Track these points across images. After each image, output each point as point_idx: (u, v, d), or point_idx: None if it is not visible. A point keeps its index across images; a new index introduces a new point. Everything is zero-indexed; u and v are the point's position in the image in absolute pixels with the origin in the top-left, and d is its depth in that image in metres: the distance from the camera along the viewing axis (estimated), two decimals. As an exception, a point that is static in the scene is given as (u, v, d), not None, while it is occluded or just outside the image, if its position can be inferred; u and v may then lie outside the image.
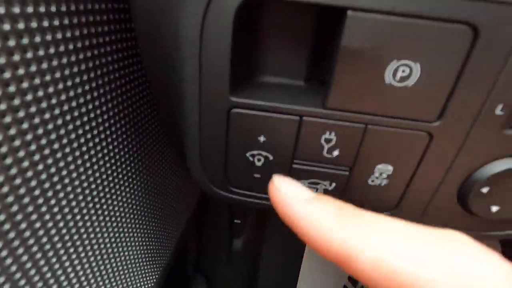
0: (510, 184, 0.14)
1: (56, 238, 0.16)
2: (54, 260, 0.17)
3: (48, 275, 0.17)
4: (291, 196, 0.11)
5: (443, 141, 0.14)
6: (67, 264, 0.18)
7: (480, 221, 0.16)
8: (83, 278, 0.19)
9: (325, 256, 0.10)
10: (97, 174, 0.19)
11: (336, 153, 0.15)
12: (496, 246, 0.73)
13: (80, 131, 0.16)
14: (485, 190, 0.15)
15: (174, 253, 0.36)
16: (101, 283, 0.22)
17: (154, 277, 0.31)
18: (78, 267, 0.19)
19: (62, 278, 0.18)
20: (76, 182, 0.17)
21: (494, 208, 0.15)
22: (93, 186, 0.18)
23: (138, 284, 0.28)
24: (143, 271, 0.28)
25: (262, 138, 0.15)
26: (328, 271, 0.72)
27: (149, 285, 0.30)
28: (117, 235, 0.23)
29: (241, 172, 0.16)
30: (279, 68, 0.15)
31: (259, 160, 0.16)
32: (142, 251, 0.28)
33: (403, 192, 0.16)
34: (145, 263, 0.29)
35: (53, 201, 0.15)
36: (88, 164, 0.17)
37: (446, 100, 0.13)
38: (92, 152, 0.18)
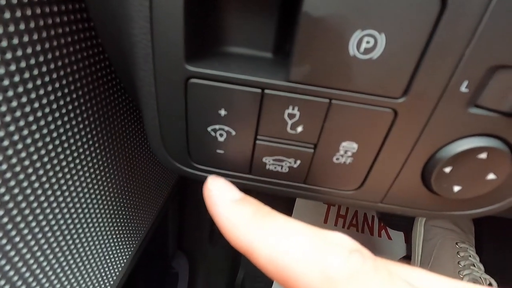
0: (472, 164, 0.14)
1: (27, 211, 0.16)
2: (25, 231, 0.16)
3: (21, 245, 0.16)
4: (218, 196, 0.13)
5: (408, 119, 0.13)
6: (39, 236, 0.17)
7: (443, 201, 0.16)
8: (48, 251, 0.19)
9: (237, 250, 0.12)
10: (69, 151, 0.18)
11: (300, 129, 0.14)
12: (468, 224, 0.76)
13: (47, 116, 0.15)
14: (447, 169, 0.14)
15: (150, 230, 0.36)
16: (69, 257, 0.22)
17: (127, 253, 0.30)
18: (50, 240, 0.18)
19: (35, 248, 0.17)
20: (45, 159, 0.16)
21: (456, 188, 0.15)
22: (62, 162, 0.17)
23: (112, 258, 0.28)
24: (116, 247, 0.28)
25: (223, 112, 0.14)
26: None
27: (123, 260, 0.30)
28: (87, 210, 0.22)
29: (204, 148, 0.16)
30: (244, 38, 0.14)
31: (221, 135, 0.15)
32: (116, 227, 0.27)
33: (368, 171, 0.16)
34: (119, 239, 0.28)
35: (22, 176, 0.15)
36: (58, 145, 0.16)
37: (411, 75, 0.12)
38: (62, 134, 0.17)
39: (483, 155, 0.14)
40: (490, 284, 0.62)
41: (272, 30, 0.14)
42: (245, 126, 0.15)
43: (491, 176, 0.14)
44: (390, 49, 0.12)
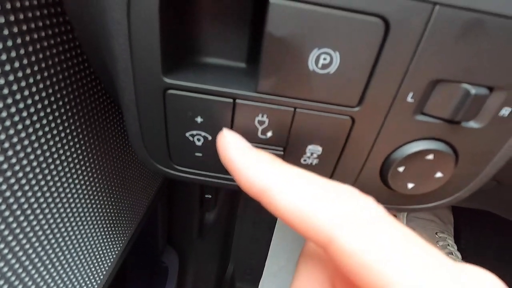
0: (421, 164, 0.16)
1: (15, 206, 0.17)
2: (14, 225, 0.17)
3: (10, 238, 0.17)
4: (234, 143, 0.13)
5: (364, 125, 0.15)
6: (27, 229, 0.19)
7: (400, 197, 0.18)
8: (38, 246, 0.20)
9: (249, 192, 0.12)
10: (58, 150, 0.19)
11: (269, 134, 0.16)
12: (448, 215, 0.80)
13: (31, 116, 0.16)
14: (401, 169, 0.16)
15: (140, 225, 0.37)
16: (60, 253, 0.23)
17: (117, 248, 0.32)
18: (40, 236, 0.19)
19: (24, 241, 0.18)
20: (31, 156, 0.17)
21: (410, 185, 0.17)
22: (51, 162, 0.19)
23: (101, 252, 0.29)
24: (106, 242, 0.29)
25: (199, 119, 0.15)
26: (298, 243, 0.77)
27: (112, 255, 0.31)
28: (73, 206, 0.23)
29: (183, 151, 0.17)
30: (219, 50, 0.16)
31: (198, 140, 0.16)
32: (105, 222, 0.28)
33: (333, 171, 0.17)
34: (108, 234, 0.29)
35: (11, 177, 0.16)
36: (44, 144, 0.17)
37: (364, 87, 0.14)
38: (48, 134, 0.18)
39: (430, 156, 0.16)
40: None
41: (245, 42, 0.16)
42: (220, 132, 0.16)
43: (438, 174, 0.16)
44: (344, 65, 0.13)
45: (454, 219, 0.76)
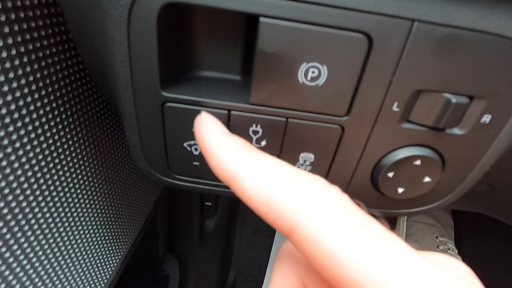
0: (410, 169, 0.17)
1: (20, 216, 0.18)
2: (19, 235, 0.18)
3: (15, 247, 0.18)
4: (209, 126, 0.13)
5: (353, 133, 0.16)
6: (32, 238, 0.19)
7: (391, 201, 0.19)
8: (41, 254, 0.21)
9: (219, 178, 0.12)
10: (60, 158, 0.19)
11: (264, 143, 0.17)
12: (448, 219, 0.80)
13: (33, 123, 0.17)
14: (390, 174, 0.17)
15: (140, 233, 0.38)
16: (62, 262, 0.23)
17: (118, 256, 0.32)
18: (42, 243, 0.20)
19: (28, 250, 0.19)
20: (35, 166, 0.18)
21: (400, 190, 0.18)
22: (52, 169, 0.19)
23: (102, 260, 0.29)
24: (107, 250, 0.30)
25: (196, 130, 0.16)
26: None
27: (114, 263, 0.32)
28: (75, 214, 0.24)
29: (181, 160, 0.18)
30: (214, 64, 0.17)
31: (196, 149, 0.17)
32: (106, 231, 0.29)
33: (325, 177, 0.18)
34: (109, 242, 0.30)
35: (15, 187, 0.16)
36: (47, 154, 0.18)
37: (351, 98, 0.15)
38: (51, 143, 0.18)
39: (418, 162, 0.16)
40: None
41: (238, 56, 0.16)
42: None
43: (427, 179, 0.17)
44: (332, 78, 0.14)
45: (456, 223, 0.76)
